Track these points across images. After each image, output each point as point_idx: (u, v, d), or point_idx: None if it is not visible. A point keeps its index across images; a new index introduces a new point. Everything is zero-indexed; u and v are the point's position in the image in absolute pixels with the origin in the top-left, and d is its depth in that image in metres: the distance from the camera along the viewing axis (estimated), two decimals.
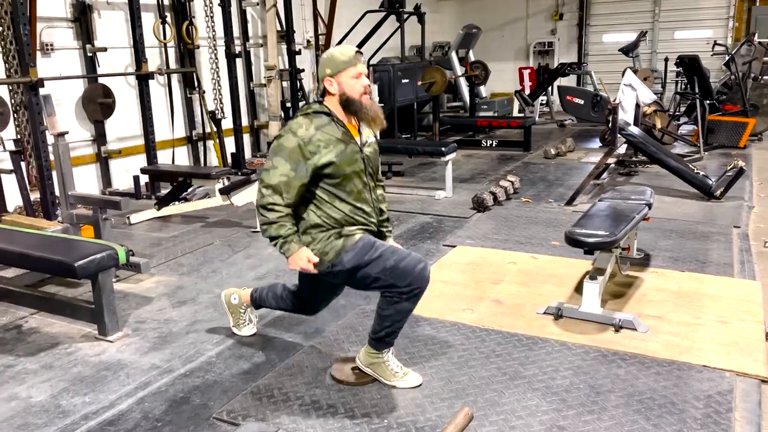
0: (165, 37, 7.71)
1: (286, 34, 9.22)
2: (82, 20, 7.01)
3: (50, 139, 5.09)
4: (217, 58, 8.13)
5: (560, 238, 4.66)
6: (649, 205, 4.45)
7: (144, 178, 6.97)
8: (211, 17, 8.01)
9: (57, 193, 5.35)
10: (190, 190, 6.57)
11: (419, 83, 10.01)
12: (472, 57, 12.73)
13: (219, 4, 7.87)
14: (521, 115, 12.23)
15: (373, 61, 10.84)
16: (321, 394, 3.01)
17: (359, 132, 2.95)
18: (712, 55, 11.62)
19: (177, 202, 6.47)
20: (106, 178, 7.38)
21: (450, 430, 2.57)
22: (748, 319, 3.68)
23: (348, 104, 2.87)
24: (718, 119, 9.55)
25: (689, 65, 9.64)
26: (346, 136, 2.87)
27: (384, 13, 10.71)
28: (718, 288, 4.16)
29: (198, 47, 8.34)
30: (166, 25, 7.75)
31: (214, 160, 8.76)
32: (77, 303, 3.97)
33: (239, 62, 8.60)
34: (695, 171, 6.65)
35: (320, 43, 11.27)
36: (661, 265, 4.63)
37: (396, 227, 5.80)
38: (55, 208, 5.65)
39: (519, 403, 2.91)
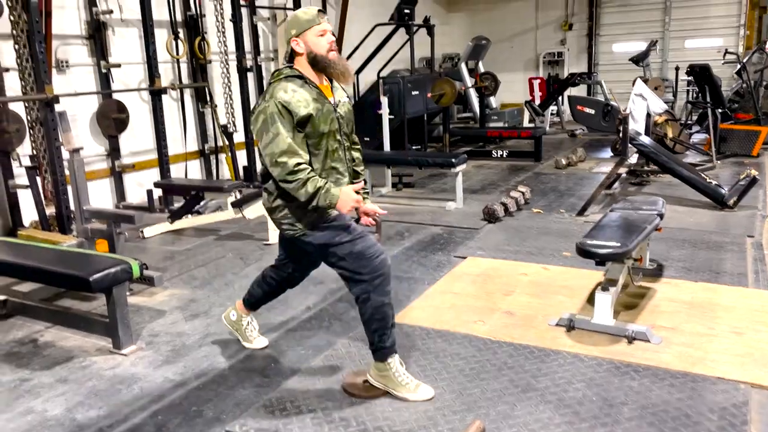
0: (178, 53, 7.81)
1: None
2: (97, 37, 7.12)
3: (65, 155, 5.16)
4: (228, 73, 8.21)
5: (572, 249, 4.65)
6: (661, 215, 4.43)
7: (157, 192, 7.04)
8: (223, 32, 8.10)
9: (72, 207, 5.42)
10: (202, 203, 6.64)
11: (429, 95, 10.04)
12: (481, 68, 12.77)
13: (231, 20, 7.96)
14: (532, 125, 12.23)
15: (383, 74, 10.90)
16: (333, 407, 3.02)
17: (332, 93, 3.05)
18: (723, 64, 11.57)
19: (190, 216, 6.53)
20: (120, 192, 7.46)
21: None
22: (762, 330, 3.65)
23: (316, 61, 2.95)
24: (731, 128, 9.50)
25: (700, 74, 9.62)
26: (320, 96, 2.96)
27: (393, 27, 10.78)
28: (731, 298, 4.13)
29: (210, 62, 8.43)
30: (179, 41, 7.84)
31: (226, 173, 8.82)
32: (92, 317, 4.01)
33: (251, 76, 8.67)
34: (708, 180, 6.61)
35: None
36: (674, 275, 4.60)
37: (406, 238, 5.81)
38: (70, 223, 5.71)
39: (531, 415, 2.90)
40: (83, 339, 3.92)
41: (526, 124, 12.68)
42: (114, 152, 7.36)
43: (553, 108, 13.32)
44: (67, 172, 5.47)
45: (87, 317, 4.02)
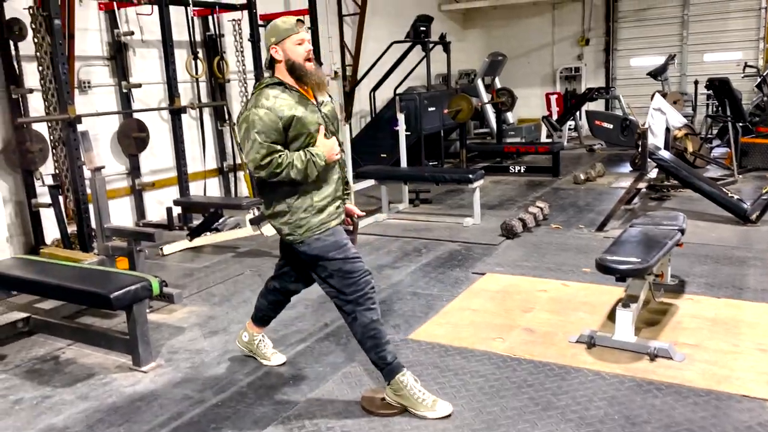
0: (197, 72, 7.92)
1: None
2: (118, 58, 7.26)
3: (87, 174, 5.24)
4: (247, 92, 8.31)
5: (591, 265, 4.61)
6: (682, 231, 4.38)
7: (177, 210, 7.11)
8: (241, 52, 8.22)
9: (93, 225, 5.49)
10: (221, 220, 6.68)
11: (445, 111, 10.07)
12: (498, 84, 12.78)
13: (249, 39, 8.07)
14: (549, 140, 12.19)
15: (400, 90, 10.95)
16: (352, 425, 3.00)
17: (314, 96, 3.12)
18: (743, 77, 11.47)
19: (208, 233, 6.58)
20: (140, 210, 7.54)
21: None
22: None
23: (293, 69, 3.04)
24: (752, 141, 9.38)
25: (720, 88, 9.54)
26: (302, 98, 3.04)
27: (410, 44, 10.86)
28: (756, 314, 4.06)
29: (228, 81, 8.54)
30: (198, 61, 7.96)
31: (244, 190, 8.89)
32: (112, 334, 4.05)
33: None
34: (729, 195, 6.53)
35: (347, 74, 11.45)
36: (696, 291, 4.54)
37: (424, 255, 5.80)
38: (91, 241, 5.78)
39: None
40: (104, 356, 3.95)
41: (543, 139, 12.64)
42: (134, 171, 7.47)
43: (570, 123, 13.27)
44: (88, 191, 5.56)
45: (108, 334, 4.06)
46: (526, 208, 6.92)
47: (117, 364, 3.84)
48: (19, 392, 3.55)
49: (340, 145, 3.21)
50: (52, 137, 6.15)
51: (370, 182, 7.52)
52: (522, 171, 9.99)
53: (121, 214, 7.30)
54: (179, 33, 7.52)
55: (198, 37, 8.19)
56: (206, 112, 8.46)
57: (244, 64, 8.24)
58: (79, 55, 6.82)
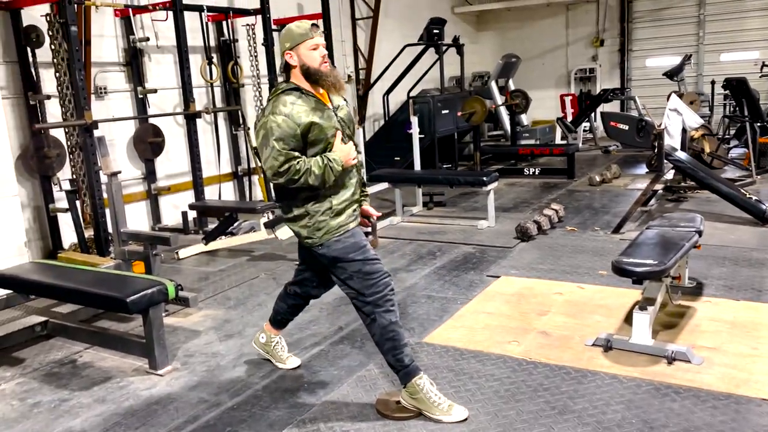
0: (211, 77, 7.98)
1: None
2: (134, 64, 7.33)
3: (104, 179, 5.29)
4: (261, 96, 8.36)
5: (607, 268, 4.57)
6: (700, 232, 4.33)
7: (192, 214, 7.15)
8: (255, 56, 8.26)
9: (110, 230, 5.54)
10: (236, 224, 6.72)
11: (459, 114, 10.05)
12: (512, 86, 12.75)
13: (263, 44, 8.11)
14: (564, 142, 12.12)
15: (413, 93, 10.95)
16: (367, 429, 3.00)
17: (330, 99, 3.12)
18: (760, 77, 11.34)
19: (224, 237, 6.62)
20: (155, 214, 7.60)
21: None
22: None
23: (309, 74, 3.03)
24: None
25: (737, 88, 9.43)
26: (319, 104, 3.03)
27: (423, 46, 10.85)
28: None
29: (243, 86, 8.59)
30: (213, 66, 8.02)
31: (259, 194, 8.93)
32: (129, 337, 4.07)
33: None
34: (747, 196, 6.45)
35: (361, 77, 11.47)
36: (715, 293, 4.48)
37: (438, 258, 5.78)
38: (108, 245, 5.84)
39: None
40: (121, 359, 3.98)
41: (558, 141, 12.58)
42: (150, 175, 7.53)
43: (585, 124, 13.19)
44: (105, 196, 5.61)
45: (124, 338, 4.09)
46: (540, 210, 6.88)
47: (133, 367, 3.86)
48: (37, 395, 3.59)
49: (356, 147, 3.21)
50: (69, 143, 6.22)
51: (384, 185, 7.52)
52: (536, 173, 9.93)
53: (137, 218, 7.37)
54: (194, 38, 7.58)
55: (212, 43, 8.25)
56: (221, 116, 8.51)
57: (258, 69, 8.29)
58: (96, 61, 6.90)
